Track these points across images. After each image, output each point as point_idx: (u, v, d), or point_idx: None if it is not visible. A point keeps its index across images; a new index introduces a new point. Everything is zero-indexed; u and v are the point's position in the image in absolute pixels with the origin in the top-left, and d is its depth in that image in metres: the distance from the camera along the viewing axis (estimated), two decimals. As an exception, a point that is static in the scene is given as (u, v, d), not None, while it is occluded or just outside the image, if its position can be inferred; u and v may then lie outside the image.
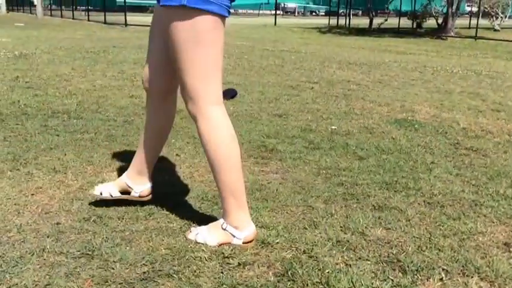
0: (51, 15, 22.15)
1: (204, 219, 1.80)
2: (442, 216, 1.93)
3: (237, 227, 1.64)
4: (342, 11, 19.93)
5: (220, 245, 1.64)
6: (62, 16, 20.74)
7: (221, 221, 1.68)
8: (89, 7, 19.60)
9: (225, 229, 1.65)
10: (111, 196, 1.87)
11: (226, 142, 1.62)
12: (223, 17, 1.55)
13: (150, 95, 1.78)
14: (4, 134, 2.86)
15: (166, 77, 1.73)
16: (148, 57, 1.74)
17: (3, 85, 4.33)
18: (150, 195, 1.90)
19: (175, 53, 1.55)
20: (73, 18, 19.25)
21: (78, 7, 21.86)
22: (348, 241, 1.69)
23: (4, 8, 26.11)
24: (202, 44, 1.53)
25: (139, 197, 1.88)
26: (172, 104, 1.83)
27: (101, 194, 1.87)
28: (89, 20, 17.81)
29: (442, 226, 1.84)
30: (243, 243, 1.63)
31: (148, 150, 1.84)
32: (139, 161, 1.86)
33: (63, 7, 21.90)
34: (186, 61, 1.54)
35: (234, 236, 1.63)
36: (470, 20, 18.70)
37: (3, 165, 2.33)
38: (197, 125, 1.63)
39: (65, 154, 2.54)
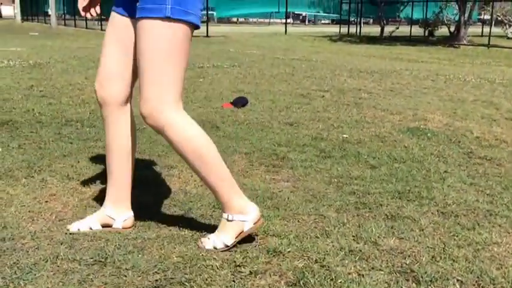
0: (65, 24, 22.50)
1: (216, 227, 1.80)
2: (456, 226, 1.91)
3: (241, 212, 1.66)
4: (352, 19, 19.95)
5: (237, 236, 1.65)
6: (75, 25, 21.04)
7: (224, 215, 1.68)
8: (102, 17, 19.88)
9: (232, 220, 1.65)
10: (91, 229, 1.78)
11: (200, 139, 1.61)
12: (197, 27, 1.60)
13: (106, 106, 1.72)
14: (19, 142, 2.90)
15: (125, 83, 1.71)
16: (105, 63, 1.70)
17: (18, 94, 4.40)
18: (132, 226, 1.82)
19: (149, 62, 1.53)
20: (86, 28, 19.53)
21: (92, 17, 22.16)
22: (361, 251, 1.68)
23: (19, 17, 26.60)
24: (178, 53, 1.55)
25: (123, 228, 1.80)
26: (131, 115, 1.77)
27: (79, 230, 1.76)
28: (102, 30, 18.04)
29: (456, 236, 1.82)
30: (254, 224, 1.66)
31: (119, 174, 1.77)
32: (113, 189, 1.79)
33: (76, 17, 22.24)
34: (159, 70, 1.54)
35: (243, 221, 1.65)
36: (482, 28, 18.56)
37: (18, 173, 2.36)
38: (166, 135, 1.58)
39: (79, 161, 2.57)
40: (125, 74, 1.69)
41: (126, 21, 1.66)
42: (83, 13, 1.72)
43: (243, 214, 1.65)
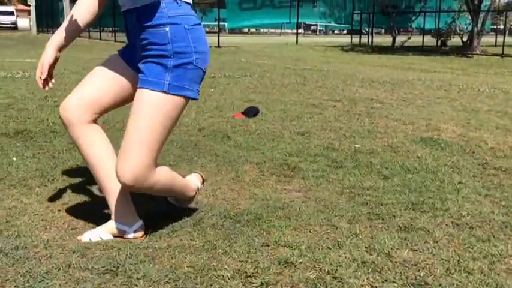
0: (79, 36, 22.87)
1: (227, 237, 1.80)
2: (471, 238, 1.87)
3: (197, 186, 2.02)
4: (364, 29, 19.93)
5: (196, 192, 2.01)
6: (89, 37, 21.36)
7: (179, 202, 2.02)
8: (115, 28, 20.17)
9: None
10: (101, 239, 1.78)
11: (171, 173, 1.83)
12: (194, 99, 1.71)
13: (73, 127, 1.73)
14: (33, 151, 2.94)
15: (92, 112, 1.75)
16: (82, 90, 1.75)
17: (32, 104, 4.47)
18: (144, 234, 1.83)
19: (143, 129, 1.64)
20: (100, 39, 19.83)
21: (105, 28, 22.47)
22: (374, 262, 1.65)
23: (35, 29, 27.12)
24: (170, 124, 1.68)
25: (134, 238, 1.81)
26: (97, 126, 1.79)
27: (90, 239, 1.78)
28: (115, 41, 18.30)
29: (471, 248, 1.79)
30: (202, 181, 2.08)
31: (114, 189, 1.77)
32: (113, 205, 1.79)
33: (90, 28, 22.58)
34: (151, 137, 1.65)
35: (194, 187, 2.00)
36: (496, 37, 18.42)
37: (32, 181, 2.39)
38: (155, 190, 1.74)
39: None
40: (95, 107, 1.75)
41: (126, 67, 1.75)
42: (41, 85, 1.73)
43: (198, 186, 2.02)
